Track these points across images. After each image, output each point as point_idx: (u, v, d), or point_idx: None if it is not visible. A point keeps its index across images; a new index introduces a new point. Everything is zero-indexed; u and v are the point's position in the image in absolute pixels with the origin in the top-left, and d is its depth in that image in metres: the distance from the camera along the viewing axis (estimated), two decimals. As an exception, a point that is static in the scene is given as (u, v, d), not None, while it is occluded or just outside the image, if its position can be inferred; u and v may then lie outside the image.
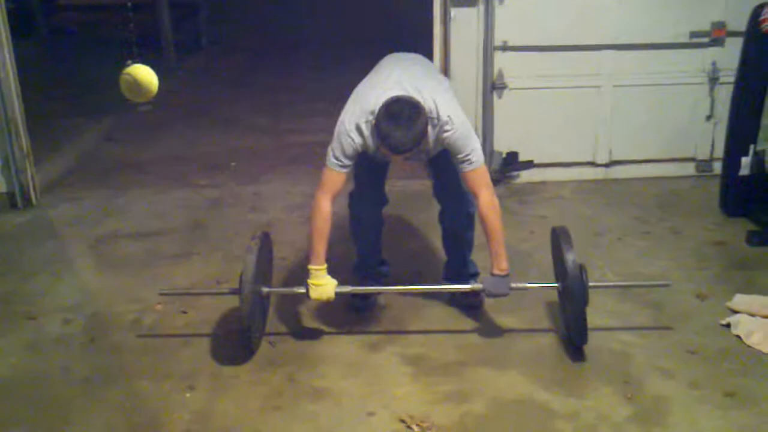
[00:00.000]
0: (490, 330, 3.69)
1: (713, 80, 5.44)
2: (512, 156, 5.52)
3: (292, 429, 3.04)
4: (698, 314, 3.77)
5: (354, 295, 3.78)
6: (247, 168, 6.14)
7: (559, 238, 3.49)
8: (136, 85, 3.90)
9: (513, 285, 3.45)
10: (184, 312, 3.89)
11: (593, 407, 3.09)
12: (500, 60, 5.36)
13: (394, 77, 3.44)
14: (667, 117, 5.55)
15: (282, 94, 8.64)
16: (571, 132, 5.55)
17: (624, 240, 4.65)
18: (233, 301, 3.60)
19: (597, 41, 5.37)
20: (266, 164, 6.22)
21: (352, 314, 3.82)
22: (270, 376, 3.36)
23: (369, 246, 3.92)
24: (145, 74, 3.91)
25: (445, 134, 3.35)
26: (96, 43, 10.26)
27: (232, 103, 8.32)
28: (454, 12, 5.25)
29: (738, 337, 3.53)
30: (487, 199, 3.39)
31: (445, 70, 5.26)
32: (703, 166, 5.63)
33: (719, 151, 5.23)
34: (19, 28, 7.15)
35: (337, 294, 3.46)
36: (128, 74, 3.89)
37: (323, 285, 3.42)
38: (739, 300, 3.79)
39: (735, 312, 3.71)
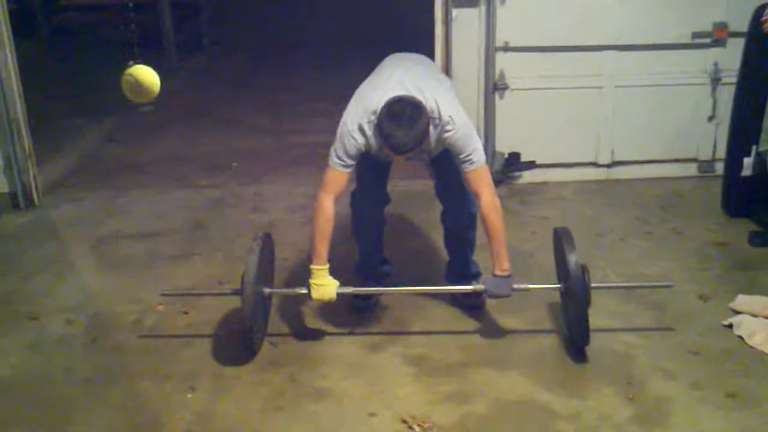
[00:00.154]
0: (492, 331, 3.69)
1: (715, 81, 5.43)
2: (514, 156, 5.52)
3: (294, 429, 3.04)
4: (700, 315, 3.76)
5: (356, 296, 3.78)
6: (249, 168, 6.14)
7: (561, 239, 3.49)
8: (138, 85, 3.90)
9: (515, 286, 3.45)
10: (186, 313, 3.89)
11: (595, 408, 3.09)
12: (502, 60, 5.36)
13: (396, 77, 3.44)
14: (669, 117, 5.54)
15: (283, 94, 8.64)
16: (573, 132, 5.55)
17: (626, 240, 4.64)
18: (234, 302, 3.60)
19: (599, 42, 5.36)
20: (268, 165, 6.22)
21: (354, 315, 3.82)
22: (272, 377, 3.35)
23: (371, 245, 3.92)
24: (146, 75, 3.91)
25: (447, 134, 3.35)
26: (97, 43, 10.24)
27: (233, 103, 8.32)
28: (455, 12, 5.25)
29: (740, 337, 3.52)
30: (488, 199, 3.40)
31: (447, 71, 5.26)
32: (705, 166, 5.62)
33: (721, 152, 5.23)
34: (21, 29, 7.16)
35: (338, 295, 3.46)
36: (130, 75, 3.89)
37: (325, 285, 3.42)
38: (742, 301, 3.78)
39: (737, 313, 3.71)
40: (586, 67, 5.41)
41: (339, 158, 3.38)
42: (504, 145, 5.50)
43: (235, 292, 3.52)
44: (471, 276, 3.89)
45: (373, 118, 3.31)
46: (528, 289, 3.55)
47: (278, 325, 3.76)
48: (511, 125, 5.46)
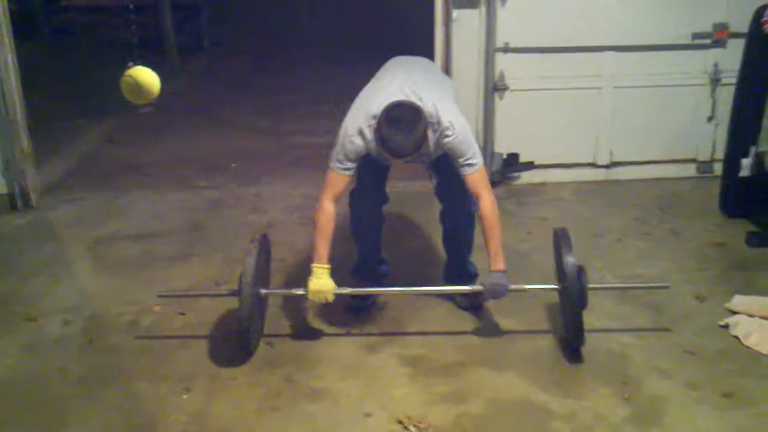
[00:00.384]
0: (489, 331, 3.69)
1: (715, 81, 5.43)
2: (513, 157, 5.52)
3: (290, 430, 3.04)
4: (697, 315, 3.76)
5: (353, 296, 3.79)
6: (248, 170, 6.14)
7: (558, 240, 3.49)
8: (138, 87, 3.90)
9: (512, 287, 3.46)
10: (182, 314, 3.89)
11: (591, 408, 3.09)
12: (502, 61, 5.36)
13: (396, 83, 3.50)
14: (669, 118, 5.54)
15: (284, 95, 8.65)
16: (572, 133, 5.54)
17: (624, 241, 4.64)
18: (231, 303, 3.61)
19: (598, 43, 5.36)
20: (267, 166, 6.22)
21: (351, 315, 3.82)
22: (268, 377, 3.35)
23: (369, 245, 3.93)
24: (146, 76, 3.91)
25: (447, 139, 3.39)
26: (98, 44, 10.26)
27: (233, 104, 8.33)
28: (456, 13, 5.25)
29: (736, 338, 3.52)
30: (489, 200, 3.45)
31: (447, 72, 5.26)
32: (704, 167, 5.61)
33: (720, 153, 5.23)
34: (22, 30, 7.15)
35: (336, 295, 3.47)
36: (130, 76, 3.89)
37: (323, 287, 3.44)
38: (738, 301, 3.78)
39: (734, 313, 3.70)
40: (585, 67, 5.41)
41: (339, 161, 3.43)
42: (503, 146, 5.50)
43: (232, 294, 3.52)
44: (469, 276, 3.89)
45: (373, 122, 3.36)
46: (525, 290, 3.57)
47: (275, 326, 3.75)
48: (510, 126, 5.46)
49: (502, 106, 5.44)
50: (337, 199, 3.47)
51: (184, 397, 3.23)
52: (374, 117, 3.35)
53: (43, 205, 5.40)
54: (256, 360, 3.47)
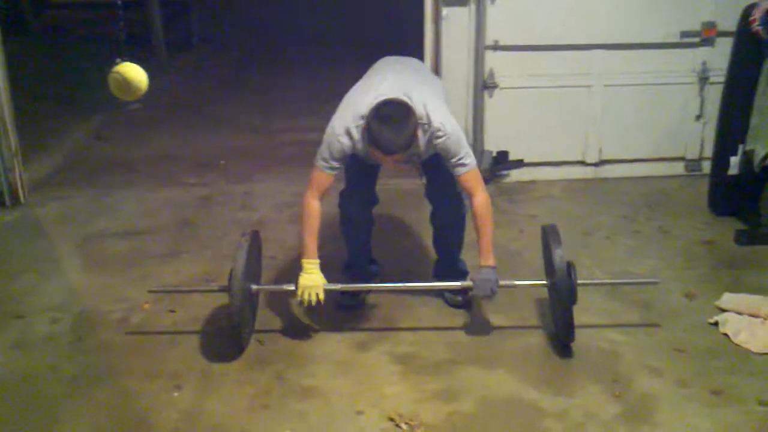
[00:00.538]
0: (480, 328, 3.69)
1: (703, 80, 5.45)
2: (502, 155, 5.53)
3: (281, 428, 3.03)
4: (686, 313, 3.78)
5: (343, 294, 3.78)
6: (238, 167, 6.12)
7: (547, 236, 3.50)
8: (126, 83, 3.89)
9: (502, 282, 3.46)
10: (172, 311, 3.88)
11: (581, 405, 3.10)
12: (491, 59, 5.36)
13: (386, 83, 3.49)
14: (657, 116, 5.56)
15: (274, 92, 8.62)
16: (562, 131, 5.56)
17: (613, 239, 4.66)
18: (222, 300, 3.60)
19: (588, 41, 5.38)
20: (257, 163, 6.20)
21: (342, 313, 3.82)
22: (259, 375, 3.35)
23: (359, 245, 3.93)
24: (134, 73, 3.90)
25: (438, 140, 3.39)
26: (86, 41, 10.21)
27: (223, 101, 8.30)
28: (445, 11, 5.25)
29: (725, 335, 3.54)
30: (483, 197, 3.45)
31: (436, 70, 5.26)
32: (693, 165, 5.64)
33: (709, 151, 5.25)
34: (10, 26, 7.12)
35: (326, 291, 3.47)
36: (117, 73, 3.88)
37: (313, 282, 3.43)
38: (727, 299, 3.80)
39: (723, 311, 3.72)
40: (575, 66, 5.42)
41: (324, 160, 3.42)
42: (492, 144, 5.51)
43: (222, 289, 3.52)
44: (459, 274, 3.89)
45: (361, 122, 3.34)
46: (515, 286, 3.58)
47: (266, 323, 3.75)
48: (499, 124, 5.47)
49: (492, 104, 5.45)
50: (322, 197, 3.47)
51: (175, 394, 3.23)
52: (362, 117, 3.33)
53: (32, 203, 5.37)
54: (247, 357, 3.46)
